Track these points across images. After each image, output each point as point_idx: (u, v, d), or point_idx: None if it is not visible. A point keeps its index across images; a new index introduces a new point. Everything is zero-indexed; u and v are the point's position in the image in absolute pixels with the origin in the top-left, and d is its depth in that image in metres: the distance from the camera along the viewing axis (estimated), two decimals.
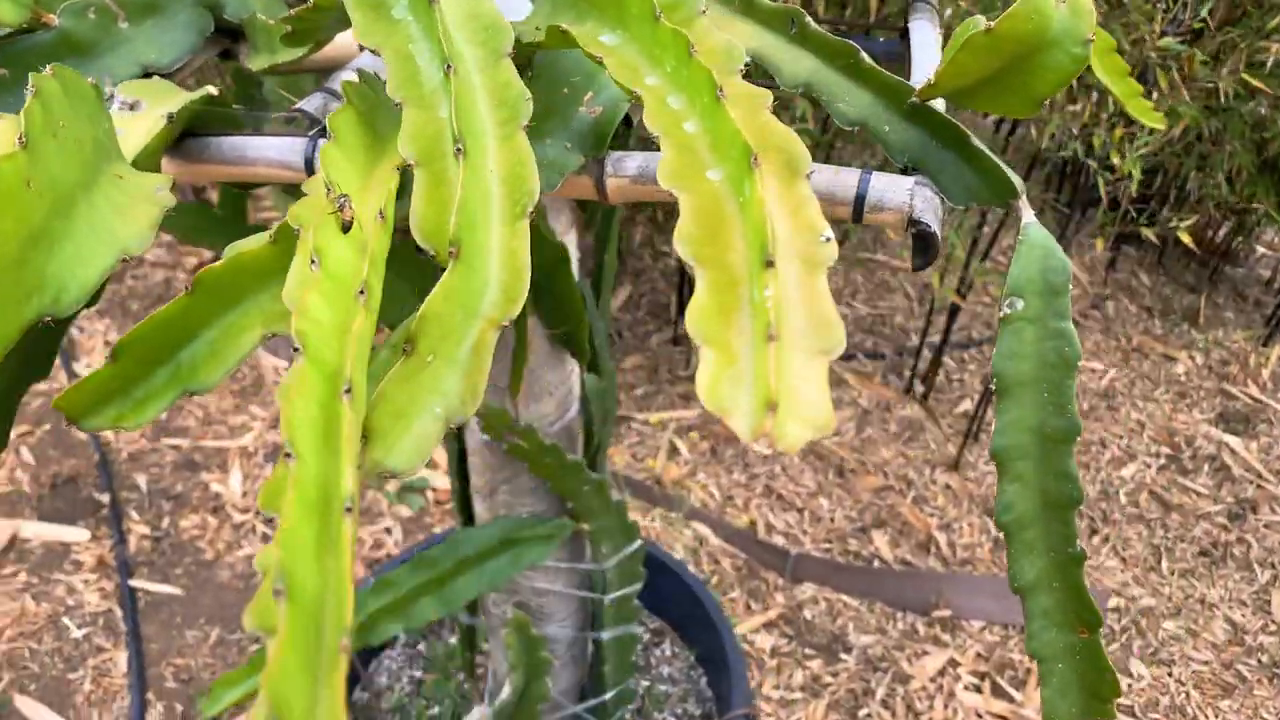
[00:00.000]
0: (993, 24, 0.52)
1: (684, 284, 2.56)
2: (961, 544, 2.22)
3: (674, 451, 2.36)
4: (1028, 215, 0.59)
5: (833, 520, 2.23)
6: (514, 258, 0.40)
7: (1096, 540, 2.21)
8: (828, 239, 0.36)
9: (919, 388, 2.52)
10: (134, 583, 1.94)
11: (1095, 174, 2.01)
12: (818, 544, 2.18)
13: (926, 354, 2.56)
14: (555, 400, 1.15)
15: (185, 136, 0.66)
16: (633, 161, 0.61)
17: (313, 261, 0.35)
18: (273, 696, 0.26)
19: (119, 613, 1.88)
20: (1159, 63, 1.70)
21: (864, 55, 0.61)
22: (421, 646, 1.59)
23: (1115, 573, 2.13)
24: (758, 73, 0.66)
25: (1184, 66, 1.71)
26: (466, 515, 1.26)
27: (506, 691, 1.21)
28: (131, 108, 0.65)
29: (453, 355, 0.38)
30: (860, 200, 0.58)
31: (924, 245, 0.58)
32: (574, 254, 1.09)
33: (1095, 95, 1.77)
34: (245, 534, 2.08)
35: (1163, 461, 2.40)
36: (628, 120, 0.63)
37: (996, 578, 2.10)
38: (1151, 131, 1.79)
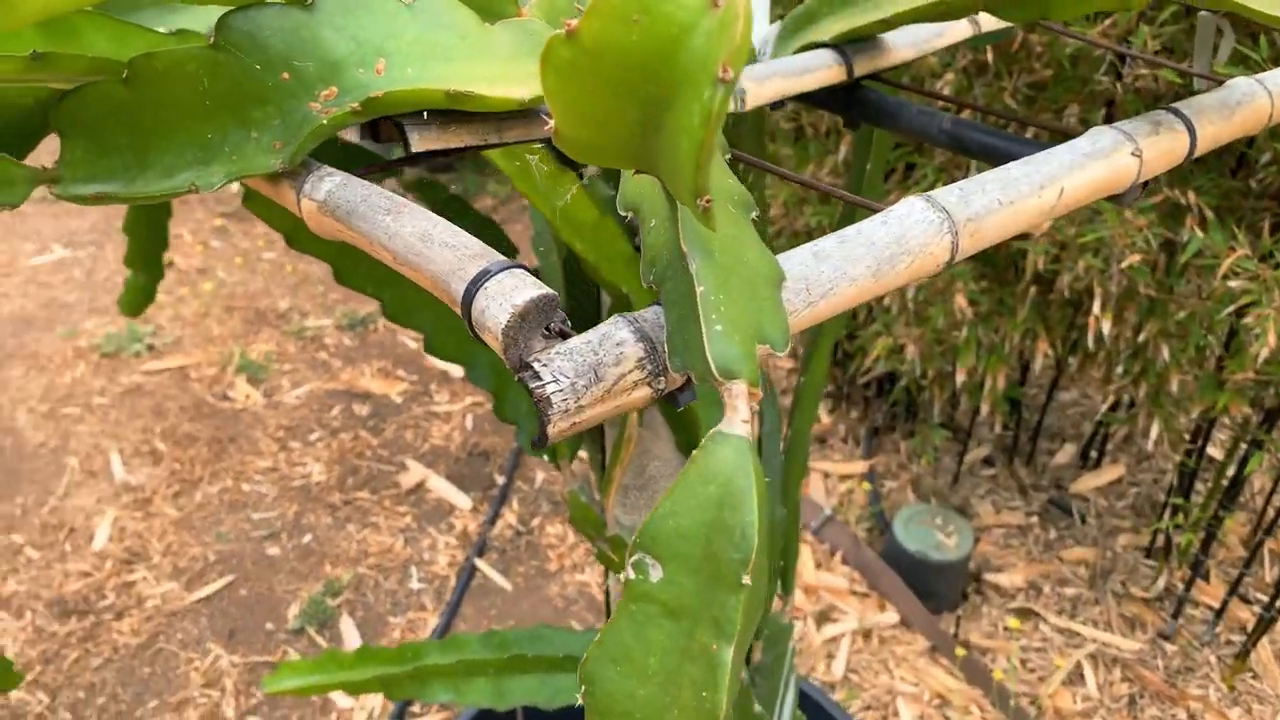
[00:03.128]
0: (573, 24, 0.28)
1: (1191, 482, 2.00)
2: None
3: (1077, 678, 1.86)
4: (731, 418, 0.32)
5: None
6: None
7: None
8: None
9: None
10: (480, 563, 2.06)
11: None
12: None
13: None
14: None
15: None
16: (328, 181, 0.44)
17: None
18: None
19: (453, 583, 2.02)
20: None
21: None
22: None
23: None
24: None
25: None
26: (608, 606, 1.10)
27: None
28: None
29: None
30: (468, 305, 0.35)
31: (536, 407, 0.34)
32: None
33: None
34: (593, 561, 2.09)
35: None
36: None
37: None
38: None
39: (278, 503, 2.17)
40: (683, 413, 0.85)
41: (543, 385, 0.33)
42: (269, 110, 0.46)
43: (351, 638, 1.90)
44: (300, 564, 2.04)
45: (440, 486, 2.23)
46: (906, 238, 0.42)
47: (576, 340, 0.34)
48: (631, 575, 0.32)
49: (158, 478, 2.23)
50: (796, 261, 0.39)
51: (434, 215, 0.39)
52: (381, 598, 1.99)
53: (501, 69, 0.48)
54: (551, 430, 0.33)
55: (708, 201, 0.28)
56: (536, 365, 0.33)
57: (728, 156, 0.42)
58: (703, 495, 0.31)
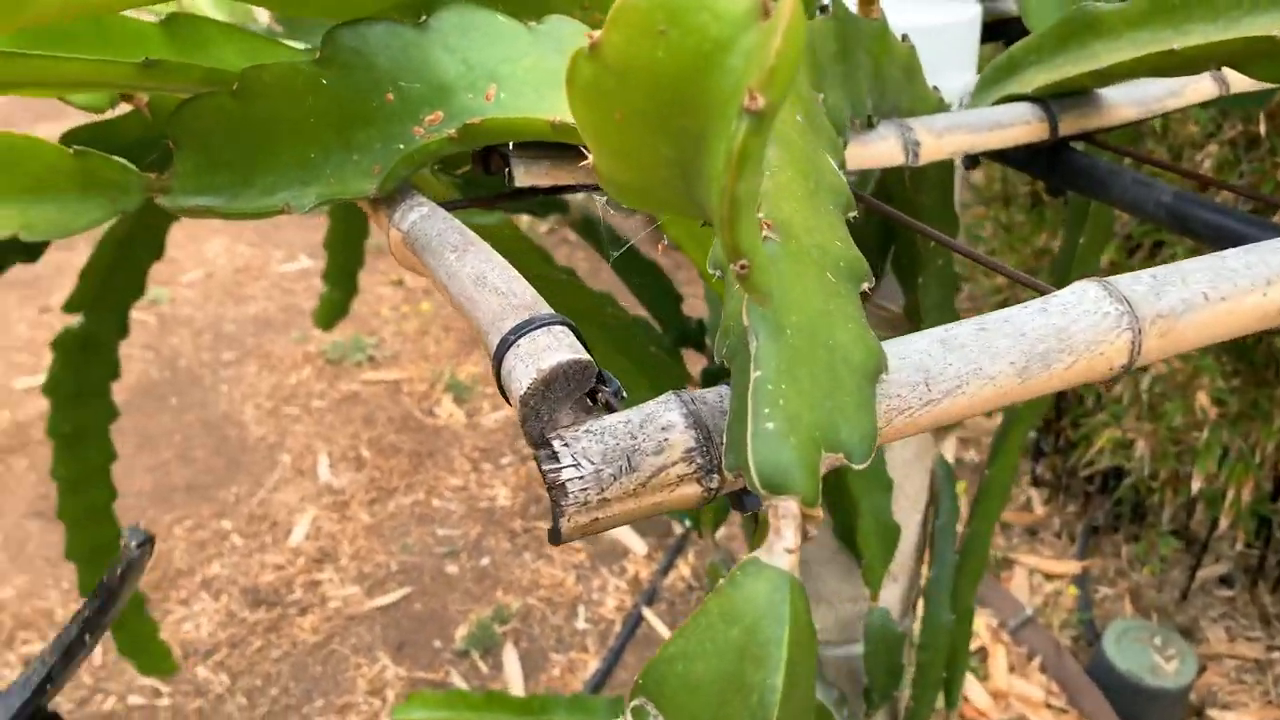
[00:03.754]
0: (596, 36, 0.22)
1: None
2: None
3: None
4: (772, 543, 0.25)
5: None
6: None
7: None
8: None
9: None
10: (648, 612, 2.01)
11: None
12: None
13: None
14: (836, 617, 0.85)
15: None
16: (416, 212, 0.41)
17: None
18: None
19: (618, 629, 1.98)
20: None
21: None
22: None
23: None
24: None
25: None
26: None
27: None
28: None
29: None
30: (498, 362, 0.30)
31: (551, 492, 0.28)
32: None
33: None
34: None
35: None
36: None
37: None
38: None
39: (463, 522, 2.21)
40: (841, 491, 0.77)
41: (558, 469, 0.27)
42: (372, 132, 0.43)
43: (513, 669, 1.90)
44: (475, 586, 2.06)
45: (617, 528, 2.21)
46: (1069, 331, 0.33)
47: (614, 419, 0.28)
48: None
49: (358, 483, 2.32)
50: (918, 349, 0.32)
51: (496, 256, 0.35)
52: (547, 632, 1.97)
53: None
54: (565, 525, 0.28)
55: (742, 267, 0.21)
56: (556, 444, 0.28)
57: (853, 214, 0.35)
58: (722, 639, 0.24)
